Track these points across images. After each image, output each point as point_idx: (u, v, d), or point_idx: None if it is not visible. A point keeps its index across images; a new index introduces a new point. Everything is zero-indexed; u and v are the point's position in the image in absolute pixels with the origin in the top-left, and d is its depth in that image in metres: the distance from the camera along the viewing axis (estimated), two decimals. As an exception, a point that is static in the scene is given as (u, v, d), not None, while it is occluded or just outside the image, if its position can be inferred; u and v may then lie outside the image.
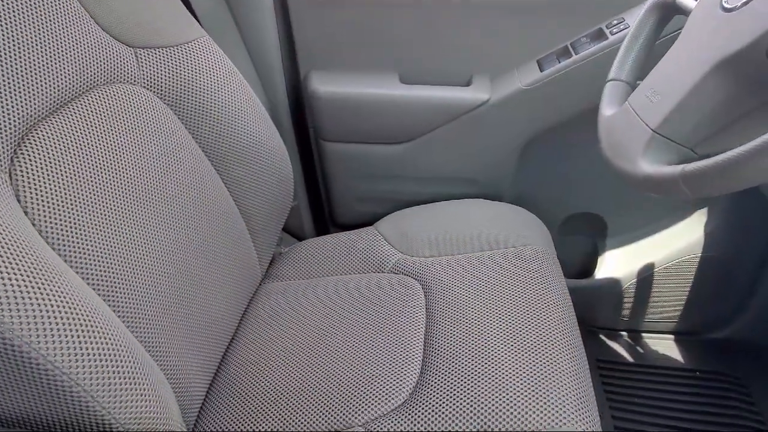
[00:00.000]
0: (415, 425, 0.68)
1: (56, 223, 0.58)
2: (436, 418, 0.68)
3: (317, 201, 1.20)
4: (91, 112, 0.68)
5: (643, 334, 1.27)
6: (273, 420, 0.73)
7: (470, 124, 1.04)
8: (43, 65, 0.62)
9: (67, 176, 0.61)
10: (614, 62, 0.73)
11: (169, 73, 0.80)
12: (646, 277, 1.18)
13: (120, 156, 0.69)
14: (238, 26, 1.00)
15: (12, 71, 0.58)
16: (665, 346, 1.25)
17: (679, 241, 1.15)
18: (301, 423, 0.71)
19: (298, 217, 1.18)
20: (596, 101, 0.74)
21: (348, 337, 0.82)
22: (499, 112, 1.02)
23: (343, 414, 0.71)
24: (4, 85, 0.57)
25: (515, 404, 0.67)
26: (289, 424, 0.72)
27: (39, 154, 0.59)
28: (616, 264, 1.20)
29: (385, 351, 0.79)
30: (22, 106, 0.58)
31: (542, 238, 0.96)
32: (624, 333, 1.28)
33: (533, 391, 0.69)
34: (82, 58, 0.68)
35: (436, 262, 0.92)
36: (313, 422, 0.71)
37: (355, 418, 0.71)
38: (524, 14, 0.98)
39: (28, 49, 0.60)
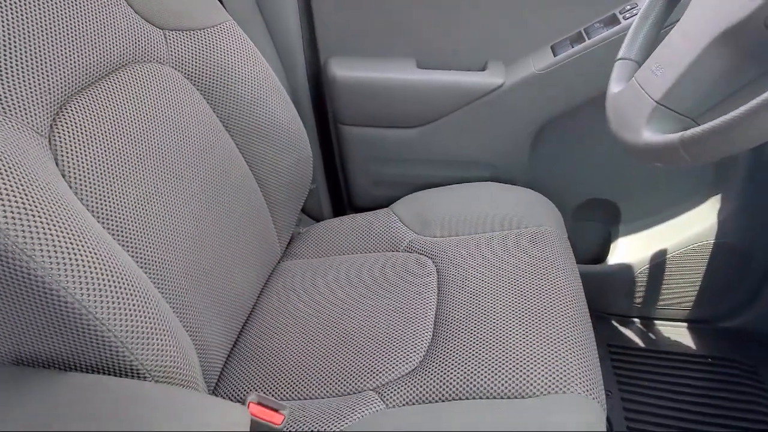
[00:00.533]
0: (424, 388, 0.71)
1: (91, 187, 0.62)
2: (443, 383, 0.71)
3: (335, 184, 1.23)
4: (124, 86, 0.72)
5: (656, 321, 1.28)
6: (289, 383, 0.76)
7: (485, 109, 1.06)
8: (81, 41, 0.67)
9: (101, 144, 0.65)
10: (624, 42, 0.75)
11: (196, 54, 0.84)
12: (658, 263, 1.19)
13: (149, 129, 0.73)
14: (261, 13, 1.04)
15: (53, 45, 0.62)
16: (678, 333, 1.26)
17: (693, 228, 1.16)
18: (316, 386, 0.75)
19: (316, 200, 1.22)
20: (608, 84, 0.76)
21: (362, 310, 0.85)
22: (513, 97, 1.05)
23: (357, 378, 0.75)
24: (46, 57, 0.61)
25: (522, 369, 0.70)
26: (305, 386, 0.75)
27: (76, 122, 0.64)
28: (629, 250, 1.22)
29: (397, 322, 0.82)
30: (61, 77, 0.63)
31: (554, 221, 0.98)
32: (636, 320, 1.29)
33: (540, 357, 0.71)
34: (116, 37, 0.72)
35: (449, 242, 0.95)
36: (328, 386, 0.75)
37: (368, 382, 0.74)
38: (539, 0, 1.00)
39: (67, 25, 0.65)
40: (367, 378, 0.75)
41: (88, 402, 0.50)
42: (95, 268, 0.53)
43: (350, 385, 0.75)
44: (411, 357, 0.77)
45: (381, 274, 0.93)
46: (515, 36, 1.04)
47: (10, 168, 0.50)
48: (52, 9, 0.63)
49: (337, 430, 0.67)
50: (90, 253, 0.53)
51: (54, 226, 0.51)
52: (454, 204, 1.02)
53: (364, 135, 1.13)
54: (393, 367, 0.75)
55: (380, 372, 0.75)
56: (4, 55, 0.57)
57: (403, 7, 1.04)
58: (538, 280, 0.84)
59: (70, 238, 0.52)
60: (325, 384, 0.75)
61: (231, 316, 0.82)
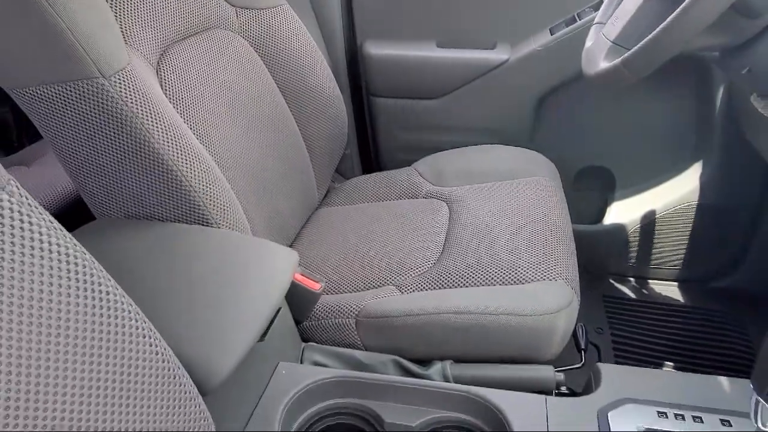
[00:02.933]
0: (434, 281, 0.89)
1: (185, 106, 0.84)
2: (451, 277, 0.89)
3: (366, 149, 1.44)
4: (208, 44, 0.95)
5: (649, 281, 1.43)
6: (329, 282, 0.95)
7: (493, 81, 1.27)
8: (179, 5, 0.90)
9: (191, 79, 0.88)
10: (600, 10, 0.94)
11: (259, 28, 1.07)
12: (648, 222, 1.35)
13: (224, 76, 0.95)
14: (310, 2, 1.27)
15: (161, 5, 0.85)
16: (670, 290, 1.40)
17: (677, 191, 1.32)
18: (349, 284, 0.94)
19: (350, 164, 1.43)
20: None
21: (387, 233, 1.05)
22: (516, 71, 1.25)
23: (380, 276, 0.93)
24: (156, 13, 0.84)
25: (515, 265, 0.88)
26: (340, 285, 0.94)
27: (174, 62, 0.86)
28: (622, 212, 1.38)
29: (415, 239, 1.01)
30: (165, 29, 0.86)
31: (550, 173, 1.16)
32: (631, 279, 1.44)
33: (530, 256, 0.89)
34: (202, 7, 0.95)
35: (460, 190, 1.14)
36: (357, 283, 0.93)
37: (389, 279, 0.93)
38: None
39: None
40: (389, 276, 0.93)
41: (183, 239, 0.71)
42: (191, 152, 0.74)
43: (375, 281, 0.93)
44: (424, 263, 0.95)
45: (403, 213, 1.12)
46: (519, 20, 1.24)
47: (146, 84, 0.72)
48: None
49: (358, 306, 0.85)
50: (187, 141, 0.74)
51: (166, 119, 0.72)
52: (466, 161, 1.21)
53: (392, 105, 1.35)
54: (409, 269, 0.94)
55: (399, 272, 0.94)
56: (133, 8, 0.80)
57: (426, 1, 1.26)
58: (532, 209, 1.02)
59: (175, 130, 0.73)
60: (355, 282, 0.94)
61: (278, 233, 1.02)
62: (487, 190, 1.11)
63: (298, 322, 0.87)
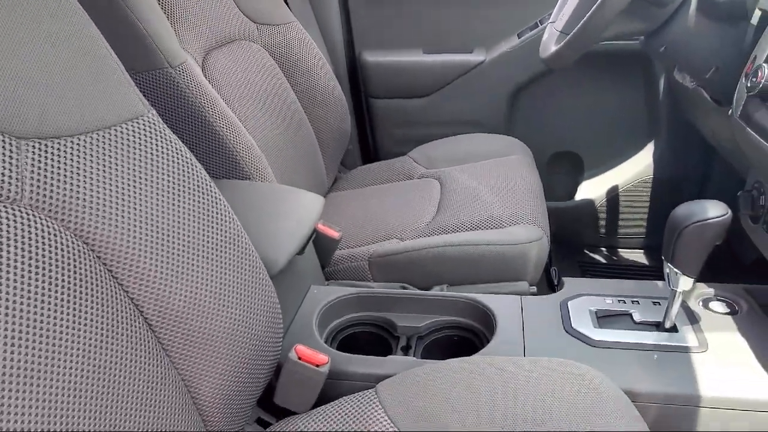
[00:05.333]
0: (430, 232, 1.09)
1: (226, 101, 1.05)
2: (443, 227, 1.09)
3: (365, 144, 1.66)
4: (237, 51, 1.17)
5: (619, 249, 1.64)
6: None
7: (472, 80, 1.50)
8: (216, 17, 1.12)
9: (227, 78, 1.09)
10: (553, 11, 1.17)
11: (276, 40, 1.29)
12: (613, 197, 1.56)
13: (252, 77, 1.17)
14: (316, 17, 1.51)
15: (203, 14, 1.08)
16: (636, 256, 1.61)
17: (635, 168, 1.54)
18: (359, 239, 1.13)
19: (352, 158, 1.64)
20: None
21: (388, 202, 1.25)
22: (491, 70, 1.49)
23: (384, 234, 1.13)
24: (199, 21, 1.07)
25: (494, 214, 1.08)
26: (352, 238, 1.14)
27: (214, 65, 1.08)
28: (590, 189, 1.60)
29: (414, 205, 1.21)
30: (207, 35, 1.08)
31: (524, 153, 1.38)
32: (603, 249, 1.64)
33: (507, 206, 1.10)
34: (231, 21, 1.18)
35: (449, 169, 1.35)
36: (366, 238, 1.13)
37: (392, 235, 1.13)
38: (509, 3, 1.46)
39: (208, 5, 1.10)
40: (393, 232, 1.13)
41: (243, 185, 0.91)
42: (240, 132, 0.95)
43: (381, 237, 1.13)
44: (422, 221, 1.15)
45: (402, 190, 1.33)
46: (492, 27, 1.49)
47: (201, 76, 0.93)
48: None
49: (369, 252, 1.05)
50: (236, 123, 0.95)
51: (219, 104, 0.94)
52: (453, 148, 1.43)
53: (387, 104, 1.58)
54: (409, 226, 1.14)
55: (401, 229, 1.14)
56: (185, 14, 1.02)
57: (413, 13, 1.50)
58: (509, 175, 1.23)
59: (226, 113, 0.94)
60: (365, 239, 1.14)
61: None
62: (471, 168, 1.33)
63: (322, 267, 1.07)
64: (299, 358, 0.71)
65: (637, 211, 1.58)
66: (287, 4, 1.40)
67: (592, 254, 1.64)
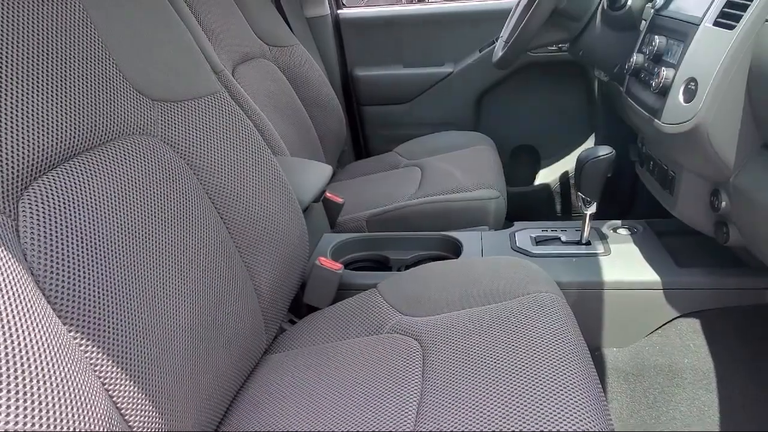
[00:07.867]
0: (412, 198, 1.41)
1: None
2: (421, 196, 1.41)
3: (357, 145, 1.99)
4: (258, 66, 1.49)
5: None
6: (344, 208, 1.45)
7: (444, 87, 1.85)
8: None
9: (254, 89, 1.41)
10: (503, 28, 1.51)
11: (284, 59, 1.62)
12: (564, 182, 1.89)
13: (270, 88, 1.49)
14: (315, 41, 1.85)
15: (227, 37, 1.40)
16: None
17: (580, 151, 1.87)
18: (357, 208, 1.44)
19: (347, 158, 1.96)
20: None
21: (378, 184, 1.56)
22: (459, 79, 1.83)
23: (375, 203, 1.44)
24: (227, 43, 1.39)
25: (462, 182, 1.40)
26: (352, 207, 1.44)
27: (240, 76, 1.40)
28: (546, 176, 1.92)
29: (397, 185, 1.52)
30: (233, 53, 1.40)
31: (489, 145, 1.70)
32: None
33: (473, 178, 1.41)
34: (251, 43, 1.50)
35: (428, 159, 1.66)
36: (362, 205, 1.43)
37: (383, 203, 1.43)
38: (472, 25, 1.81)
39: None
40: (384, 201, 1.44)
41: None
42: (263, 120, 1.26)
43: (374, 205, 1.44)
44: (406, 193, 1.46)
45: (389, 176, 1.64)
46: (458, 46, 1.83)
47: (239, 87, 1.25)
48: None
49: (366, 214, 1.36)
50: (269, 124, 1.26)
51: (254, 108, 1.25)
52: (430, 143, 1.76)
53: (375, 111, 1.91)
54: (396, 197, 1.45)
55: (390, 199, 1.44)
56: (216, 34, 1.34)
57: (394, 36, 1.85)
58: (475, 157, 1.55)
59: (259, 114, 1.25)
60: (362, 207, 1.44)
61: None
62: (446, 156, 1.65)
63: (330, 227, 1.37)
64: (322, 265, 1.00)
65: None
66: (291, 30, 1.73)
67: (550, 230, 1.95)
